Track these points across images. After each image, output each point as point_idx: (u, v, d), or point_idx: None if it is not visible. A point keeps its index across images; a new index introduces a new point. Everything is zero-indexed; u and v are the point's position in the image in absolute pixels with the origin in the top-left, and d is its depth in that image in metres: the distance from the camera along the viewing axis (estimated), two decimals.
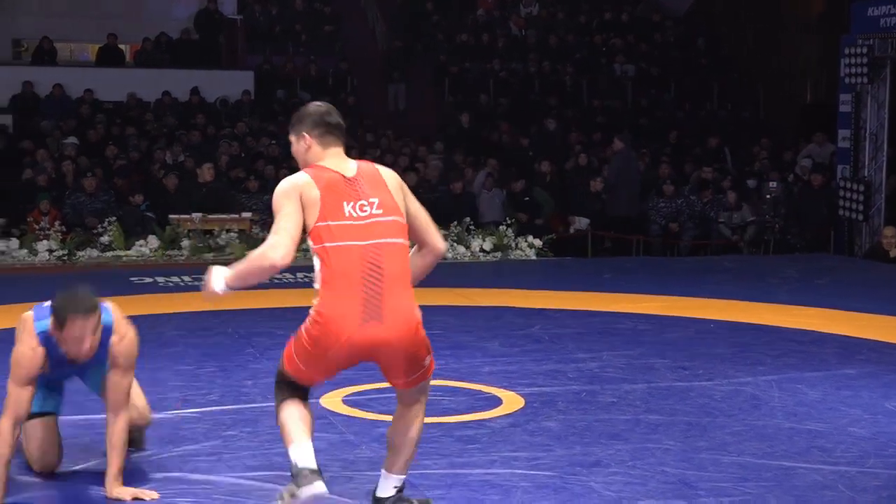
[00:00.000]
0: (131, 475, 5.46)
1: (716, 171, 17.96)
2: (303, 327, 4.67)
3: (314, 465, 4.58)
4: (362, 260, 4.59)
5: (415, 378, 4.81)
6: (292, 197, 4.67)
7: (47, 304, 5.18)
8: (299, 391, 4.79)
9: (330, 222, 4.62)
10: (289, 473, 4.65)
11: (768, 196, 16.91)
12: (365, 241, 4.62)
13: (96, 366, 5.35)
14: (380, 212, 4.70)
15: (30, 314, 5.26)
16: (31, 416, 5.36)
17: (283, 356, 4.79)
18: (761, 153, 19.32)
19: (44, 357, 5.17)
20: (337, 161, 4.81)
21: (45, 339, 5.14)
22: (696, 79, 22.91)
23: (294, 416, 4.71)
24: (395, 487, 4.98)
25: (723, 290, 11.51)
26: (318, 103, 5.04)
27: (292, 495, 4.58)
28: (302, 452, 4.60)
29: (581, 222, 16.49)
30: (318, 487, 4.54)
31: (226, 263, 5.06)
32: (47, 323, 5.11)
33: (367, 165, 4.89)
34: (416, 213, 4.91)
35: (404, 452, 4.97)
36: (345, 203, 4.66)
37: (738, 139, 20.51)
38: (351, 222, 4.64)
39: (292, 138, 4.96)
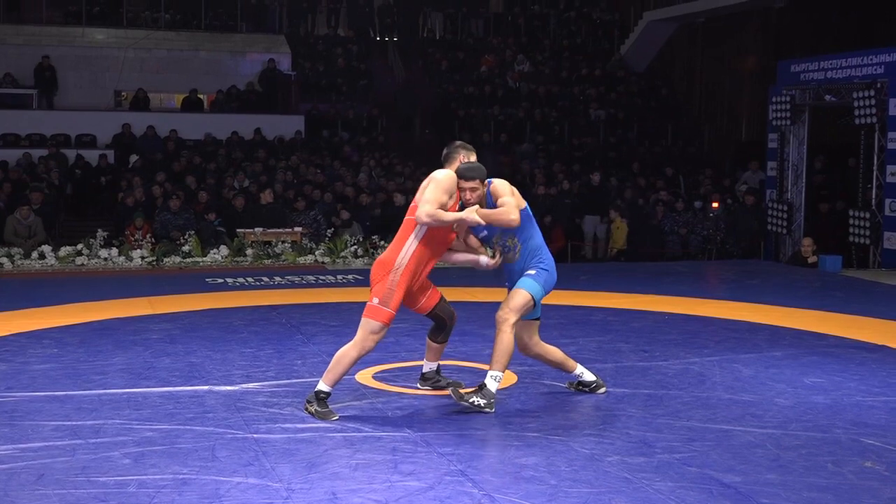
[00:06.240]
0: (202, 435, 5.46)
1: (670, 195, 17.95)
2: None
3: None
4: None
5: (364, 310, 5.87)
6: None
7: None
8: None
9: None
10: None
11: (711, 214, 16.89)
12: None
13: None
14: (413, 203, 5.91)
15: None
16: None
17: None
18: (706, 180, 19.30)
19: None
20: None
21: None
22: (653, 121, 22.92)
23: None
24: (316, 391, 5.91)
25: (676, 289, 11.48)
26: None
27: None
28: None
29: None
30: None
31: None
32: None
33: (431, 175, 5.92)
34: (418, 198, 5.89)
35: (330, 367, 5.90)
36: None
37: (687, 169, 20.51)
38: None
39: None
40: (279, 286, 11.55)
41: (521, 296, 5.97)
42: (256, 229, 14.46)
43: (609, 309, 9.98)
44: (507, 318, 5.91)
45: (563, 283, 11.79)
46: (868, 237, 14.59)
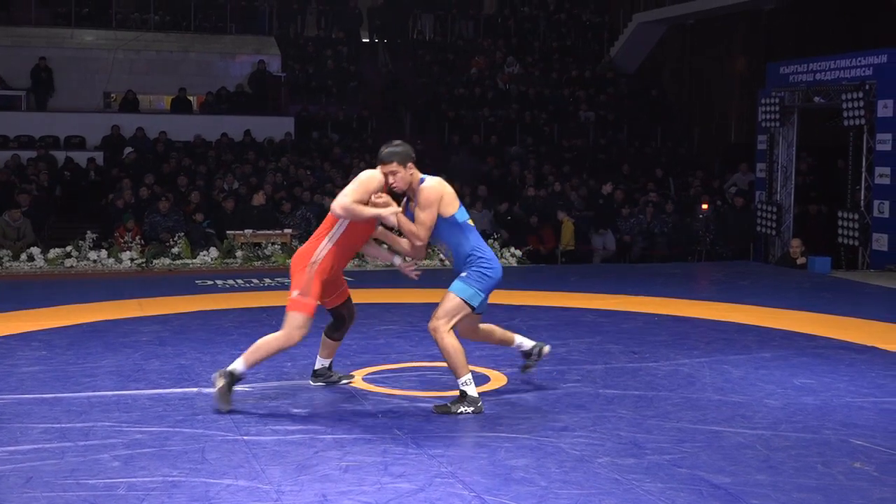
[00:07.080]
0: (192, 437, 5.45)
1: (659, 196, 17.98)
2: None
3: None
4: None
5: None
6: None
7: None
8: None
9: None
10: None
11: (700, 216, 16.92)
12: None
13: None
14: None
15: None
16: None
17: None
18: (695, 182, 19.35)
19: None
20: None
21: None
22: (643, 123, 22.96)
23: None
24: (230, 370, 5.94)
25: (666, 290, 11.50)
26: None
27: None
28: None
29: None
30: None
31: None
32: None
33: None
34: None
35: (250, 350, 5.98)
36: None
37: (676, 171, 20.55)
38: None
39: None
40: (269, 288, 11.54)
41: (449, 299, 6.00)
42: (246, 231, 14.44)
43: (600, 310, 9.99)
44: (438, 327, 5.94)
45: (552, 285, 11.89)
46: (857, 238, 14.64)
